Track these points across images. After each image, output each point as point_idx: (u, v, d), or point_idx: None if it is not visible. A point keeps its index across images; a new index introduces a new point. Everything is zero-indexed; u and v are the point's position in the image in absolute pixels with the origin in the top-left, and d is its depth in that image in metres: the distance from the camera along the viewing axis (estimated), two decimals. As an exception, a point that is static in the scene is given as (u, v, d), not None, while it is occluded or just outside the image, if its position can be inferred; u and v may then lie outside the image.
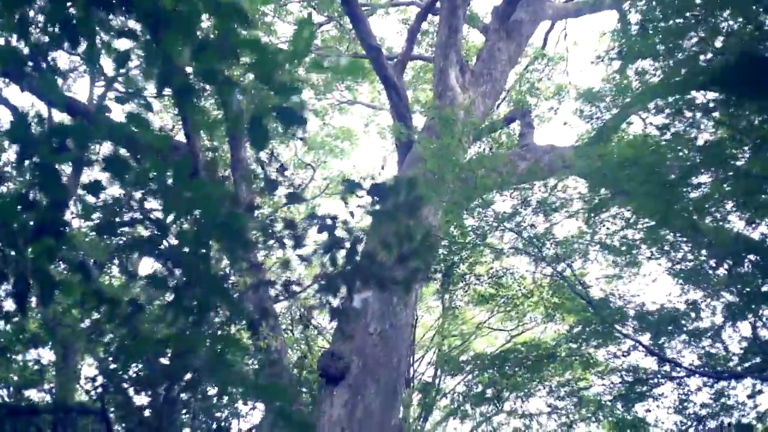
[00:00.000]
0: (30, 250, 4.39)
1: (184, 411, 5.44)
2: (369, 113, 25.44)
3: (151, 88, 3.80)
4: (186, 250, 3.58)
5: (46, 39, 4.03)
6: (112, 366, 5.57)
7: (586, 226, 12.97)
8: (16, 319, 10.62)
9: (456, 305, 21.45)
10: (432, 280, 16.09)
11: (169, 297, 3.94)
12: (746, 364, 13.89)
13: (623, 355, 13.91)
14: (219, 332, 3.71)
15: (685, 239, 13.31)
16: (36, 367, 10.89)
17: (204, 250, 3.60)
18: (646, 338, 14.31)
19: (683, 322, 13.76)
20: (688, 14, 10.96)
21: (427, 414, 22.99)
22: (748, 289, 13.24)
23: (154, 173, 3.52)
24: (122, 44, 3.77)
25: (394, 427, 13.00)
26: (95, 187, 3.80)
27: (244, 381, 3.38)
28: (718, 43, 11.17)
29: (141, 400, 4.57)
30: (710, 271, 13.88)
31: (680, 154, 11.08)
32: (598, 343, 14.30)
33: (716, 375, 13.05)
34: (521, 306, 17.72)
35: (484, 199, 11.64)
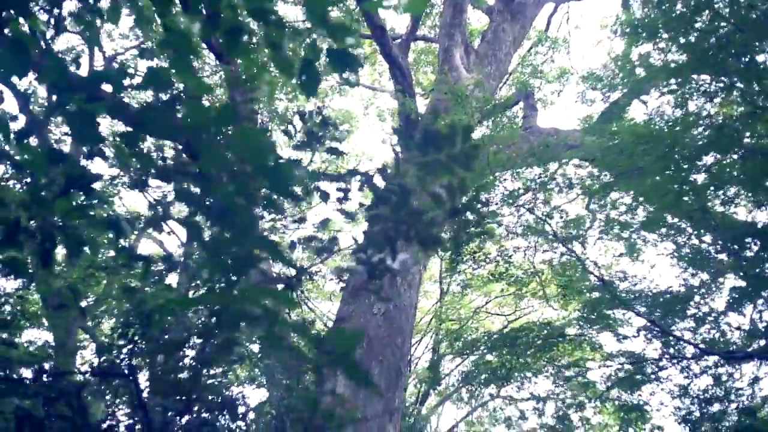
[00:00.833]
0: (58, 205, 4.26)
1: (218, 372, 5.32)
2: (369, 95, 25.26)
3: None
4: (227, 202, 3.44)
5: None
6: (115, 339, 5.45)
7: (594, 205, 12.86)
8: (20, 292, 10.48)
9: (459, 285, 21.39)
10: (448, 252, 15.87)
11: (206, 253, 3.80)
12: (749, 349, 13.86)
13: (633, 336, 13.84)
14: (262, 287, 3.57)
15: (690, 223, 13.24)
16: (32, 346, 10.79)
17: (248, 203, 3.46)
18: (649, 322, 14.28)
19: (691, 304, 13.71)
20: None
21: (424, 398, 22.99)
22: (753, 273, 13.18)
23: (197, 121, 3.38)
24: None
25: (398, 408, 12.95)
26: (133, 137, 3.65)
27: (304, 331, 3.24)
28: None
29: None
30: (716, 255, 13.83)
31: (694, 131, 11.00)
32: (607, 323, 14.23)
33: (727, 355, 12.98)
34: (529, 286, 17.60)
35: (495, 176, 11.51)
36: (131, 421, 4.45)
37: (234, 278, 3.86)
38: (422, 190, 3.49)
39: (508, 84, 19.80)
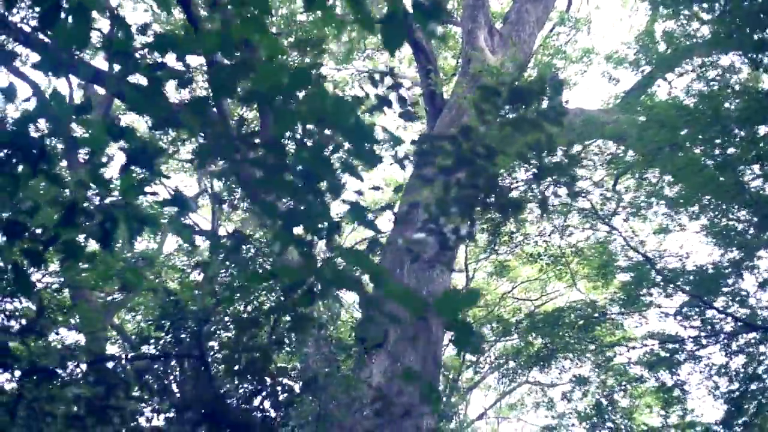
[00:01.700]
0: (119, 182, 4.12)
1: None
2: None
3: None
4: (306, 167, 3.28)
5: None
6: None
7: (628, 182, 12.62)
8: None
9: (485, 272, 21.23)
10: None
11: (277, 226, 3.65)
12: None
13: (676, 313, 13.62)
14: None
15: (725, 200, 13.01)
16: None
17: (325, 169, 3.31)
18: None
19: (727, 282, 13.50)
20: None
21: (453, 386, 22.84)
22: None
23: (270, 84, 3.23)
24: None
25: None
26: (200, 103, 3.50)
27: (406, 295, 3.08)
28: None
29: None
30: (751, 231, 13.60)
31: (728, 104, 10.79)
32: (647, 302, 14.04)
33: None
34: (565, 266, 17.36)
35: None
36: (200, 404, 4.31)
37: (307, 250, 3.71)
38: (506, 150, 3.32)
39: (530, 66, 19.54)
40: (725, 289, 13.65)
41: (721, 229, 13.64)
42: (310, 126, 3.26)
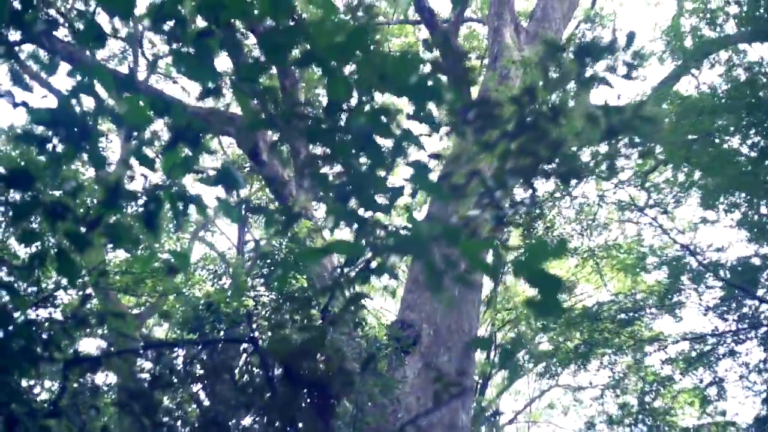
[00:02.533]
0: (163, 161, 3.98)
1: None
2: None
3: None
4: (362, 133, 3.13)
5: None
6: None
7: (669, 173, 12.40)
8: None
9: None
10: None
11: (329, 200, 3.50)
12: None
13: (716, 306, 13.34)
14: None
15: (760, 194, 12.78)
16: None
17: (385, 134, 3.15)
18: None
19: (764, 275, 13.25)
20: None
21: (483, 388, 22.62)
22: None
23: (325, 46, 3.08)
24: None
25: (469, 394, 12.68)
26: (253, 69, 3.35)
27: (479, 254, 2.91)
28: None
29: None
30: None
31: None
32: (687, 296, 13.78)
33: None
34: (608, 258, 17.03)
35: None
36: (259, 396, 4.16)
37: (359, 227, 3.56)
38: (573, 112, 3.15)
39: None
40: (764, 280, 13.41)
41: (755, 223, 13.41)
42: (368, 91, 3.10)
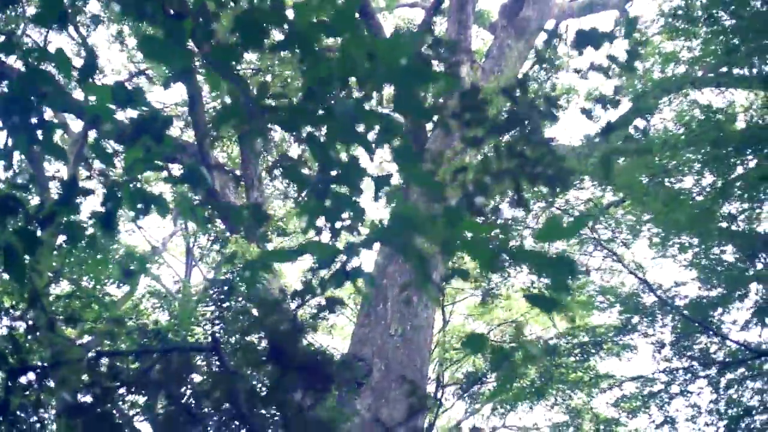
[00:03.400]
0: (123, 157, 3.74)
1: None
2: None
3: None
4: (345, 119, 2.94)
5: None
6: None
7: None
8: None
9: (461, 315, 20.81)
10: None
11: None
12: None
13: (672, 343, 13.32)
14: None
15: (710, 237, 12.86)
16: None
17: (368, 121, 2.97)
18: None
19: (714, 315, 13.32)
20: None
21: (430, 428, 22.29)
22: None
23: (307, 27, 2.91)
24: None
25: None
26: (227, 52, 3.13)
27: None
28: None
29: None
30: (739, 265, 13.44)
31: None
32: (642, 334, 13.73)
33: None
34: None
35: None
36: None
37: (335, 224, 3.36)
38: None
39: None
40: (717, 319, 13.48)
41: (704, 265, 13.49)
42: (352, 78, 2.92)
